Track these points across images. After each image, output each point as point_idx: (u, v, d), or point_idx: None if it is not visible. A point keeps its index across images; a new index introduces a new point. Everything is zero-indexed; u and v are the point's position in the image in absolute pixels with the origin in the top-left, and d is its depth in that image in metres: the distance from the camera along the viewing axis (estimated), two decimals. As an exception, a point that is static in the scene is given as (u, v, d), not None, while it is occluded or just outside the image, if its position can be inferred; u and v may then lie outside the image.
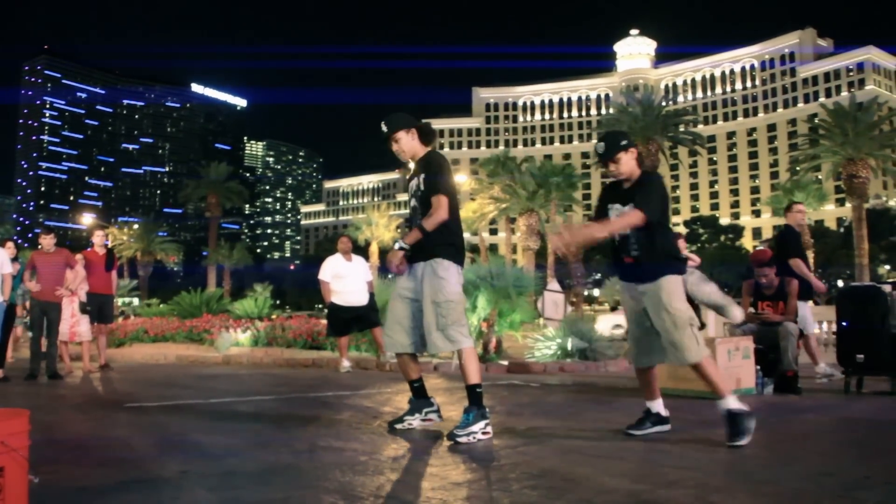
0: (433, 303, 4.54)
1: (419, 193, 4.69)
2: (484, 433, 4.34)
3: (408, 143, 4.75)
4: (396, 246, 4.63)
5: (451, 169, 4.82)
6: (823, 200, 52.73)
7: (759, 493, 3.06)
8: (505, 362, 10.53)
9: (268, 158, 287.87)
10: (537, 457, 3.87)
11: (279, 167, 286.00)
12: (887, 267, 78.72)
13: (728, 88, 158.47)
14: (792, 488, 3.09)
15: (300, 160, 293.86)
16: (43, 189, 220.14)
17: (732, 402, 4.19)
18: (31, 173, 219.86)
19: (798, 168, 49.16)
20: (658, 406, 4.62)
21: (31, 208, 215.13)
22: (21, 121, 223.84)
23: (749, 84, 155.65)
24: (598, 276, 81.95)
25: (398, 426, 4.79)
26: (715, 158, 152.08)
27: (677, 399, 5.95)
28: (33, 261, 9.63)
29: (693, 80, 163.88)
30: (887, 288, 7.68)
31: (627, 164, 4.52)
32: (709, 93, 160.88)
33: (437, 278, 4.54)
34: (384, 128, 4.76)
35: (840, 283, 65.88)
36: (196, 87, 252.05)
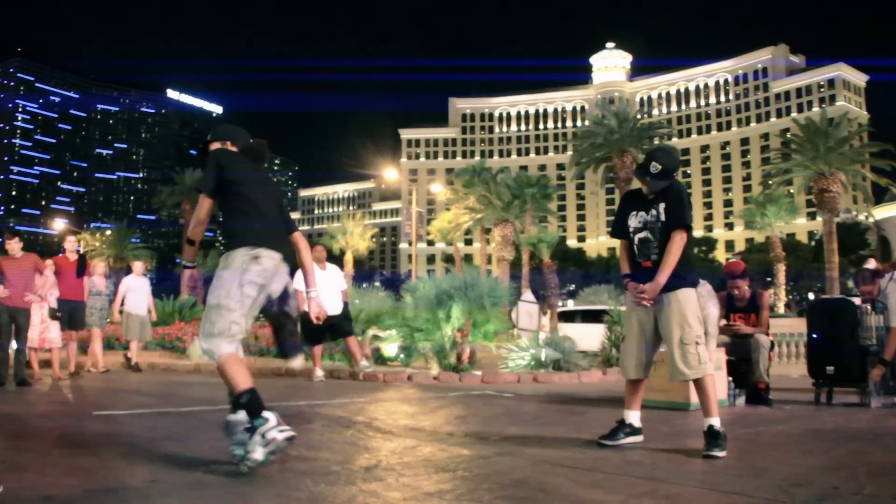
0: (207, 305, 3.93)
1: None
2: (266, 444, 3.61)
3: None
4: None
5: (222, 166, 4.21)
6: (795, 214, 53.33)
7: (731, 504, 3.08)
8: (479, 372, 10.52)
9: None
10: (510, 467, 3.87)
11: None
12: (857, 280, 79.57)
13: (702, 102, 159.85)
14: (763, 499, 3.11)
15: (275, 168, 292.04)
16: (14, 193, 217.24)
17: (718, 423, 4.29)
18: (1, 177, 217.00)
19: (770, 182, 49.65)
20: (634, 417, 4.64)
21: (1, 213, 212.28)
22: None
23: (723, 98, 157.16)
24: (573, 286, 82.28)
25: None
26: (689, 171, 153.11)
27: (650, 410, 5.97)
28: (1, 266, 9.48)
29: (668, 94, 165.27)
30: (857, 301, 7.78)
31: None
32: (683, 106, 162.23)
33: (216, 277, 3.95)
34: (208, 136, 4.43)
35: (811, 296, 66.63)
36: (171, 93, 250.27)
